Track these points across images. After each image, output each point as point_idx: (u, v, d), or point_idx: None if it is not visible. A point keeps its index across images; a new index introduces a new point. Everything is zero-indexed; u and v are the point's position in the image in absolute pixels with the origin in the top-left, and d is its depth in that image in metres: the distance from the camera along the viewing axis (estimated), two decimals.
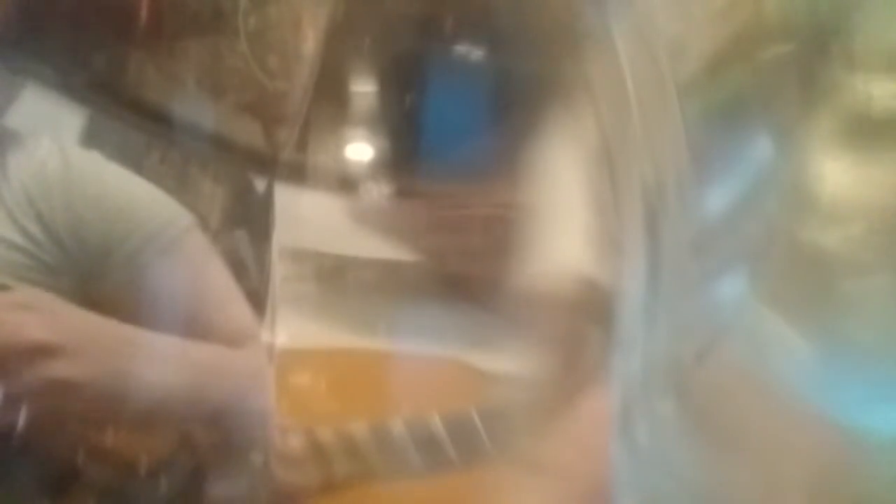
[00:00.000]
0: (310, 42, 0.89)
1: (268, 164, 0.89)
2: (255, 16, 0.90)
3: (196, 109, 0.87)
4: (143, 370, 0.75)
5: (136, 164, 0.85)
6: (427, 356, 0.81)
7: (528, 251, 0.70)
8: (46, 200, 0.80)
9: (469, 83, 0.82)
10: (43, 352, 0.74)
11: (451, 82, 0.83)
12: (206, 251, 0.83)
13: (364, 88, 0.84)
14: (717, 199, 0.48)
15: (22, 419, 0.73)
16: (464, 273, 0.82)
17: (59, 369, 0.74)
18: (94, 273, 0.80)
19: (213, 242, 0.84)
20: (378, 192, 0.84)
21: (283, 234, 0.84)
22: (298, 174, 0.87)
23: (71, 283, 0.79)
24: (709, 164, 0.49)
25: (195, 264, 0.82)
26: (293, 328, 0.83)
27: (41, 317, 0.76)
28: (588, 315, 0.65)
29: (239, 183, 0.88)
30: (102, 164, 0.83)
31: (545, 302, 0.67)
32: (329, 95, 0.88)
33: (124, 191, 0.83)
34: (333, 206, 0.85)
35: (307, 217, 0.85)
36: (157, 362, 0.76)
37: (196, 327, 0.77)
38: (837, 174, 0.46)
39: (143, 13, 0.83)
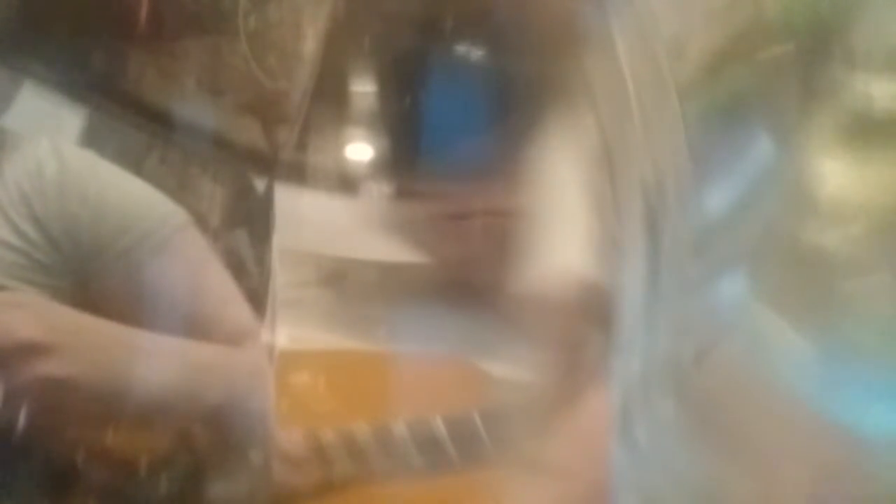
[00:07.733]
0: (310, 42, 0.89)
1: (268, 164, 0.89)
2: (255, 16, 0.90)
3: (196, 109, 0.87)
4: (139, 369, 0.75)
5: (136, 164, 0.85)
6: (428, 357, 0.81)
7: (528, 252, 0.70)
8: (41, 201, 0.80)
9: (469, 83, 0.82)
10: (35, 350, 0.74)
11: (451, 82, 0.83)
12: (202, 249, 0.83)
13: (364, 88, 0.84)
14: (717, 199, 0.49)
15: (21, 419, 0.73)
16: (464, 275, 0.82)
17: (51, 368, 0.74)
18: (90, 273, 0.80)
19: (213, 242, 0.84)
20: (378, 193, 0.84)
21: (284, 234, 0.84)
22: (298, 174, 0.87)
23: (67, 283, 0.79)
24: (709, 164, 0.49)
25: (191, 262, 0.82)
26: (293, 329, 0.83)
27: (33, 316, 0.76)
28: (588, 316, 0.65)
29: (239, 183, 0.88)
30: (98, 163, 0.83)
31: (545, 303, 0.67)
32: (329, 95, 0.88)
33: (118, 190, 0.82)
34: (333, 207, 0.85)
35: (307, 217, 0.85)
36: (154, 361, 0.76)
37: (193, 326, 0.77)
38: (837, 174, 0.46)
39: (143, 13, 0.83)
